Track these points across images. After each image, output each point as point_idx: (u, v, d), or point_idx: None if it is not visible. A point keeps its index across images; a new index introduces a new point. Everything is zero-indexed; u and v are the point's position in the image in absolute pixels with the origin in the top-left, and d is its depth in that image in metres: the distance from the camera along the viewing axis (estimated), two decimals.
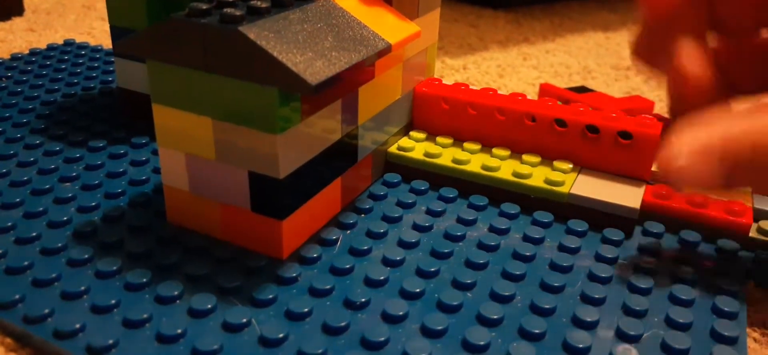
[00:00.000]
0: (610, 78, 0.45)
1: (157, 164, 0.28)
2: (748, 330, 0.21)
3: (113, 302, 0.19)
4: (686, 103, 0.22)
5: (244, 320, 0.19)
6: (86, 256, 0.21)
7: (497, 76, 0.44)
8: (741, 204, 0.24)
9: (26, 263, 0.21)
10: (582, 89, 0.36)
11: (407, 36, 0.24)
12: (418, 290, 0.20)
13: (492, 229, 0.24)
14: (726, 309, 0.20)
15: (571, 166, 0.26)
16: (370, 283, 0.21)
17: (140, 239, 0.22)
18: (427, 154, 0.27)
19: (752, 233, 0.23)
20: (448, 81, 0.31)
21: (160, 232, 0.23)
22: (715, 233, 0.24)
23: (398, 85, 0.27)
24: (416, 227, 0.24)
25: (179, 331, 0.18)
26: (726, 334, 0.19)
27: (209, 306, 0.19)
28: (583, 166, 0.27)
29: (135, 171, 0.27)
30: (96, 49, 0.41)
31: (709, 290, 0.21)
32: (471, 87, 0.29)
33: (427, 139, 0.29)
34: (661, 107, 0.37)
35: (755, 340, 0.21)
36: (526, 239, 0.23)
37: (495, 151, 0.27)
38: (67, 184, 0.26)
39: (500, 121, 0.28)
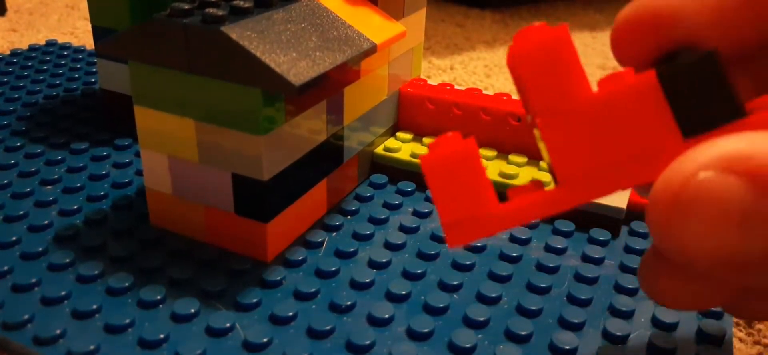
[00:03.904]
0: (596, 78, 0.45)
1: (140, 167, 0.27)
2: (733, 329, 0.21)
3: (95, 307, 0.19)
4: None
5: (228, 325, 0.19)
6: (67, 260, 0.21)
7: (484, 76, 0.44)
8: None
9: (6, 267, 0.20)
10: None
11: (393, 36, 0.24)
12: (404, 293, 0.20)
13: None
14: (712, 309, 0.20)
15: None
16: (356, 286, 0.21)
17: (122, 242, 0.22)
18: (413, 155, 0.27)
19: None
20: (434, 81, 0.31)
21: (143, 235, 0.22)
22: None
23: (384, 86, 0.27)
24: (403, 229, 0.24)
25: (162, 336, 0.18)
26: (712, 333, 0.19)
27: (192, 310, 0.19)
28: None
29: (118, 173, 0.27)
30: (79, 50, 0.41)
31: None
32: (457, 87, 0.29)
33: (413, 139, 0.29)
34: None
35: (740, 340, 0.21)
36: (513, 239, 0.23)
37: (481, 151, 0.27)
38: (49, 187, 0.26)
39: (485, 122, 0.27)
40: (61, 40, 0.46)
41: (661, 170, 0.13)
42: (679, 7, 0.14)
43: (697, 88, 0.13)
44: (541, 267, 0.22)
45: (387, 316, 0.19)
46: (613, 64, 0.47)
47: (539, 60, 0.13)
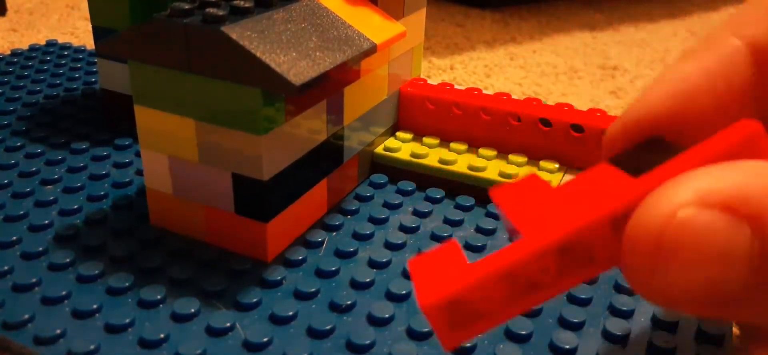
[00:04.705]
0: (596, 78, 0.45)
1: (140, 166, 0.27)
2: (734, 329, 0.21)
3: (95, 306, 0.19)
4: None
5: (228, 324, 0.19)
6: (68, 260, 0.21)
7: (484, 75, 0.44)
8: None
9: (6, 267, 0.20)
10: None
11: (393, 36, 0.24)
12: (404, 292, 0.20)
13: (478, 229, 0.24)
14: None
15: (557, 166, 0.26)
16: (356, 285, 0.21)
17: (123, 242, 0.22)
18: (413, 155, 0.27)
19: None
20: (434, 81, 0.31)
21: (143, 235, 0.23)
22: None
23: (384, 86, 0.27)
24: (403, 228, 0.24)
25: (162, 336, 0.18)
26: (711, 333, 0.19)
27: (192, 310, 0.19)
28: (570, 166, 0.27)
29: (118, 173, 0.27)
30: (79, 50, 0.41)
31: None
32: (457, 87, 0.29)
33: (413, 139, 0.29)
34: None
35: (740, 338, 0.21)
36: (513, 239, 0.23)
37: (481, 151, 0.27)
38: (49, 187, 0.26)
39: (485, 121, 0.28)
40: (61, 40, 0.46)
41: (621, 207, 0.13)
42: (656, 123, 0.15)
43: (645, 154, 0.14)
44: None
45: (387, 315, 0.19)
46: (613, 64, 0.47)
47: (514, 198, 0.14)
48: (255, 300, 0.20)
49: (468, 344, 0.18)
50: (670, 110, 0.15)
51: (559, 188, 0.14)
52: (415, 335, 0.19)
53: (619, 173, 0.13)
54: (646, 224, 0.12)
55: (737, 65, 0.15)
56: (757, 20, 0.15)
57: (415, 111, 0.29)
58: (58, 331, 0.18)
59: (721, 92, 0.15)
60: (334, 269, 0.21)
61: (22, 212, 0.23)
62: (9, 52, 0.40)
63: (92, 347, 0.18)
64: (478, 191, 0.26)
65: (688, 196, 0.12)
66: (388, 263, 0.22)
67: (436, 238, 0.23)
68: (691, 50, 0.15)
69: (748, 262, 0.11)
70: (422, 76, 0.32)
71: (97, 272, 0.20)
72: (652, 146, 0.14)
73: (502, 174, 0.26)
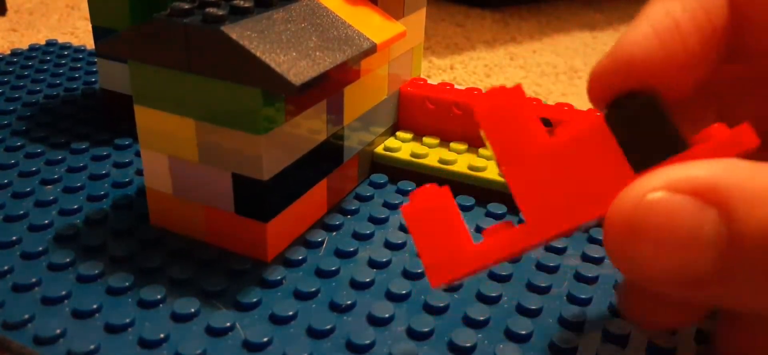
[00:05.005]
0: None
1: (140, 166, 0.27)
2: None
3: (95, 306, 0.19)
4: None
5: (228, 324, 0.19)
6: (67, 260, 0.21)
7: (484, 75, 0.44)
8: None
9: (6, 267, 0.20)
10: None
11: (393, 36, 0.24)
12: (404, 292, 0.20)
13: (478, 229, 0.24)
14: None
15: None
16: (356, 285, 0.21)
17: (123, 242, 0.22)
18: (413, 155, 0.27)
19: None
20: (434, 81, 0.31)
21: (143, 235, 0.22)
22: None
23: (384, 85, 0.27)
24: (403, 228, 0.24)
25: (162, 335, 0.18)
26: (712, 333, 0.19)
27: (192, 310, 0.19)
28: None
29: (118, 173, 0.27)
30: (79, 50, 0.41)
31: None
32: (457, 87, 0.29)
33: (413, 139, 0.29)
34: None
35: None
36: None
37: (481, 151, 0.27)
38: (49, 187, 0.26)
39: None
40: (61, 39, 0.46)
41: None
42: (646, 58, 0.15)
43: (641, 129, 0.14)
44: (541, 266, 0.22)
45: (387, 315, 0.19)
46: None
47: (498, 119, 0.15)
48: (255, 300, 0.20)
49: (468, 345, 0.18)
50: (658, 48, 0.15)
51: (555, 143, 0.15)
52: (415, 335, 0.19)
53: (619, 159, 0.14)
54: (620, 207, 0.13)
55: (718, 4, 0.15)
56: None
57: (415, 111, 0.29)
58: (58, 331, 0.18)
59: (704, 29, 0.15)
60: (334, 268, 0.21)
61: (22, 212, 0.23)
62: (9, 52, 0.40)
63: (92, 347, 0.17)
64: (478, 191, 0.26)
65: (659, 182, 0.13)
66: (388, 263, 0.22)
67: None
68: None
69: (715, 245, 0.12)
70: (422, 76, 0.32)
71: (97, 271, 0.20)
72: (646, 110, 0.14)
73: (501, 173, 0.26)
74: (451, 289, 0.21)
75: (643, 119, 0.14)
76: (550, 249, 0.23)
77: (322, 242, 0.23)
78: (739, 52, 0.15)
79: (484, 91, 0.29)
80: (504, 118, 0.15)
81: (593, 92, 0.16)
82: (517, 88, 0.15)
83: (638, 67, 0.15)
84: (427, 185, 0.16)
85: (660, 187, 0.13)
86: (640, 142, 0.14)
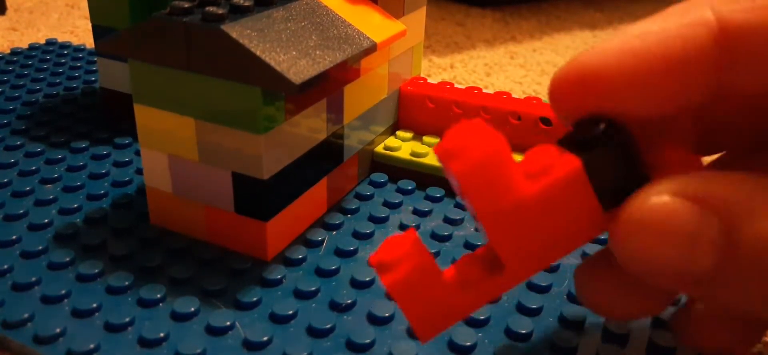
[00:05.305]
0: None
1: (140, 165, 0.27)
2: None
3: (95, 305, 0.19)
4: None
5: (228, 323, 0.18)
6: (67, 259, 0.21)
7: (484, 74, 0.44)
8: None
9: (6, 266, 0.20)
10: None
11: (393, 34, 0.24)
12: None
13: (478, 228, 0.24)
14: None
15: None
16: (357, 284, 0.21)
17: (123, 241, 0.22)
18: (413, 154, 0.27)
19: None
20: (435, 80, 0.31)
21: (143, 234, 0.22)
22: None
23: (384, 84, 0.27)
24: (403, 227, 0.24)
25: (162, 335, 0.18)
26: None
27: (192, 309, 0.19)
28: None
29: (118, 172, 0.27)
30: (79, 49, 0.41)
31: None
32: (457, 86, 0.29)
33: (413, 138, 0.29)
34: None
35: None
36: None
37: None
38: (49, 186, 0.26)
39: (486, 120, 0.27)
40: (61, 38, 0.46)
41: (588, 238, 0.15)
42: (603, 74, 0.15)
43: (612, 172, 0.15)
44: None
45: (387, 314, 0.19)
46: None
47: (477, 178, 0.14)
48: (255, 299, 0.20)
49: (468, 344, 0.18)
50: (621, 65, 0.14)
51: (532, 191, 0.15)
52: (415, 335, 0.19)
53: (591, 198, 0.15)
54: (628, 207, 0.14)
55: (698, 37, 0.14)
56: None
57: (415, 110, 0.29)
58: (58, 330, 0.18)
59: (676, 61, 0.14)
60: (334, 268, 0.21)
61: (21, 211, 0.23)
62: (9, 51, 0.40)
63: (92, 346, 0.17)
64: None
65: (663, 189, 0.14)
66: None
67: (436, 237, 0.23)
68: (665, 11, 0.15)
69: (714, 250, 0.13)
70: (422, 75, 0.32)
71: (96, 270, 0.20)
72: (618, 155, 0.15)
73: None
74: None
75: (616, 163, 0.15)
76: None
77: (322, 241, 0.23)
78: (727, 89, 0.15)
79: (484, 89, 0.29)
80: (483, 175, 0.14)
81: (557, 104, 0.16)
82: (492, 136, 0.14)
83: (595, 82, 0.15)
84: (397, 239, 0.15)
85: (665, 192, 0.14)
86: (612, 184, 0.15)
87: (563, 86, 0.15)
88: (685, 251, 0.14)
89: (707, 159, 0.18)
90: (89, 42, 0.45)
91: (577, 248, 0.15)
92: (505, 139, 0.14)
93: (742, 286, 0.13)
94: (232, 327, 0.19)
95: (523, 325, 0.19)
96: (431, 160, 0.27)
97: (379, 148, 0.28)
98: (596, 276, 0.17)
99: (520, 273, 0.15)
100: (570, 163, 0.15)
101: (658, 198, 0.14)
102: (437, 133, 0.29)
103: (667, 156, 0.15)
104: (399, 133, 0.29)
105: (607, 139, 0.15)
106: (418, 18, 0.29)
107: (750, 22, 0.14)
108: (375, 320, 0.19)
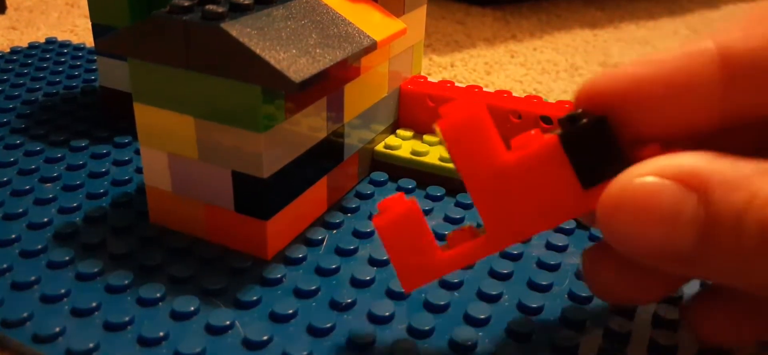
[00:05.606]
0: None
1: (140, 164, 0.27)
2: None
3: (94, 304, 0.19)
4: None
5: (228, 323, 0.18)
6: (67, 258, 0.21)
7: (484, 73, 0.44)
8: None
9: (5, 265, 0.20)
10: None
11: (393, 33, 0.24)
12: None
13: (479, 227, 0.24)
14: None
15: None
16: (357, 283, 0.21)
17: (122, 240, 0.22)
18: (413, 153, 0.27)
19: None
20: (435, 78, 0.31)
21: (143, 232, 0.22)
22: None
23: (384, 83, 0.27)
24: None
25: (161, 334, 0.18)
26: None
27: (192, 308, 0.19)
28: None
29: (117, 171, 0.27)
30: (78, 48, 0.41)
31: (697, 289, 0.21)
32: (457, 84, 0.29)
33: (413, 137, 0.29)
34: None
35: None
36: None
37: None
38: (48, 184, 0.26)
39: None
40: (60, 37, 0.46)
41: (569, 215, 0.16)
42: (616, 94, 0.16)
43: (591, 150, 0.15)
44: (541, 265, 0.22)
45: (387, 314, 0.19)
46: (613, 62, 0.47)
47: (459, 135, 0.16)
48: (255, 298, 0.20)
49: (469, 343, 0.18)
50: (623, 88, 0.16)
51: (513, 160, 0.16)
52: (415, 333, 0.19)
53: (570, 176, 0.16)
54: (612, 188, 0.15)
55: (702, 65, 0.15)
56: (736, 28, 0.15)
57: (416, 108, 0.29)
58: (58, 329, 0.18)
59: (678, 85, 0.15)
60: (334, 267, 0.21)
61: (21, 210, 0.23)
62: (8, 50, 0.40)
63: (91, 345, 0.17)
64: None
65: (647, 169, 0.14)
66: (388, 261, 0.22)
67: (436, 236, 0.23)
68: (676, 46, 0.16)
69: (694, 226, 0.14)
70: (422, 74, 0.32)
71: (96, 269, 0.20)
72: (596, 133, 0.16)
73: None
74: (451, 287, 0.20)
75: (593, 142, 0.16)
76: (551, 247, 0.23)
77: (322, 240, 0.23)
78: (730, 119, 0.16)
79: (484, 88, 0.28)
80: (465, 134, 0.16)
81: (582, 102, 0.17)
82: (478, 103, 0.16)
83: (607, 101, 0.16)
84: (396, 195, 0.17)
85: (648, 172, 0.14)
86: (590, 162, 0.16)
87: (580, 99, 0.16)
88: (667, 228, 0.14)
89: None
90: (89, 41, 0.45)
91: (559, 223, 0.16)
92: (488, 113, 0.16)
93: (724, 260, 0.14)
94: (231, 326, 0.18)
95: (524, 324, 0.19)
96: (431, 158, 0.27)
97: (380, 147, 0.27)
98: (601, 259, 0.17)
99: (500, 238, 0.16)
100: (548, 139, 0.16)
101: (640, 178, 0.14)
102: None
103: (647, 153, 0.16)
104: (399, 131, 0.29)
105: (586, 121, 0.16)
106: (419, 16, 0.29)
107: (749, 46, 0.15)
108: (375, 320, 0.19)
